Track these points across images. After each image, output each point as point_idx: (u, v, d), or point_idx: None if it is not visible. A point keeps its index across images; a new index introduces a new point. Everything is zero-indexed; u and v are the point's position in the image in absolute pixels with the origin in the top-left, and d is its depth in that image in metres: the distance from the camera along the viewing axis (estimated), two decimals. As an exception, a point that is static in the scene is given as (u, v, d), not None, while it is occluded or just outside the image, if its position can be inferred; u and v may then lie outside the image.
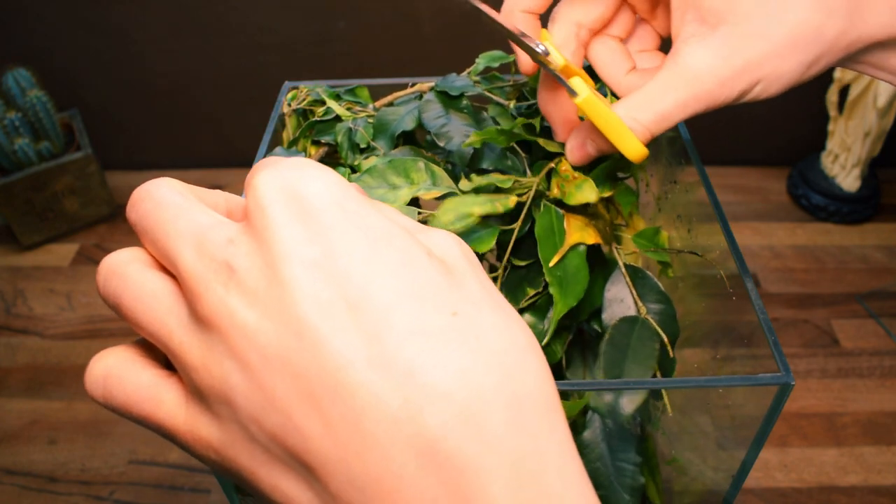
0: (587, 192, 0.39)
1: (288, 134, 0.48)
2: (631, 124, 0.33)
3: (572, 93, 0.34)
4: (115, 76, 1.02)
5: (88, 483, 0.70)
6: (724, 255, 0.38)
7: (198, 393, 0.19)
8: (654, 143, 0.48)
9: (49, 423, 0.76)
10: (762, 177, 1.03)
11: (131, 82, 1.02)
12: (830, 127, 0.95)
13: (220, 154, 1.09)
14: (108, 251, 0.96)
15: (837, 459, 0.70)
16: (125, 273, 0.20)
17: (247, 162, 0.42)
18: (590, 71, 0.40)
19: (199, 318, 0.19)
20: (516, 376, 0.18)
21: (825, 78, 0.93)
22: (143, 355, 0.21)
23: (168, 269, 0.20)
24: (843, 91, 0.91)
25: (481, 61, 0.47)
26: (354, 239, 0.18)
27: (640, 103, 0.33)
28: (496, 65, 0.47)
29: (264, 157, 0.42)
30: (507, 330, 0.19)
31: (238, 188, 1.08)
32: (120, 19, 0.96)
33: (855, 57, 0.32)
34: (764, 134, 1.03)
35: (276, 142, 0.46)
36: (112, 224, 1.01)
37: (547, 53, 0.34)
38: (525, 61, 0.37)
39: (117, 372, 0.21)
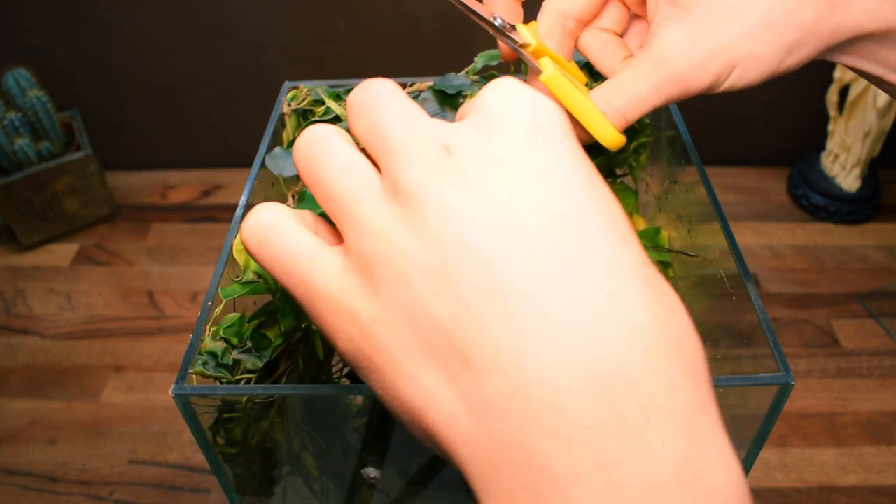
0: None
1: (288, 134, 0.48)
2: (605, 109, 0.32)
3: (538, 71, 0.34)
4: (115, 76, 1.02)
5: (88, 483, 0.70)
6: (724, 255, 0.38)
7: (364, 263, 0.19)
8: (654, 143, 0.48)
9: (49, 423, 0.76)
10: (762, 177, 1.03)
11: (131, 82, 1.02)
12: (830, 127, 0.95)
13: (220, 154, 1.09)
14: (108, 251, 0.97)
15: (837, 459, 0.70)
16: (332, 142, 0.21)
17: (246, 162, 0.42)
18: (590, 67, 0.40)
19: (396, 187, 0.19)
20: (691, 337, 0.18)
21: (825, 78, 0.93)
22: (302, 220, 0.22)
23: (369, 153, 0.21)
24: (843, 91, 0.91)
25: (480, 60, 0.47)
26: (576, 169, 0.19)
27: (615, 87, 0.32)
28: (494, 63, 0.47)
29: (264, 157, 0.42)
30: (675, 293, 0.19)
31: (238, 188, 1.08)
32: (120, 19, 0.96)
33: (843, 48, 0.31)
34: (764, 134, 1.03)
35: (276, 142, 0.46)
36: (112, 224, 1.01)
37: (504, 27, 0.34)
38: (503, 46, 0.36)
39: (282, 225, 0.21)
